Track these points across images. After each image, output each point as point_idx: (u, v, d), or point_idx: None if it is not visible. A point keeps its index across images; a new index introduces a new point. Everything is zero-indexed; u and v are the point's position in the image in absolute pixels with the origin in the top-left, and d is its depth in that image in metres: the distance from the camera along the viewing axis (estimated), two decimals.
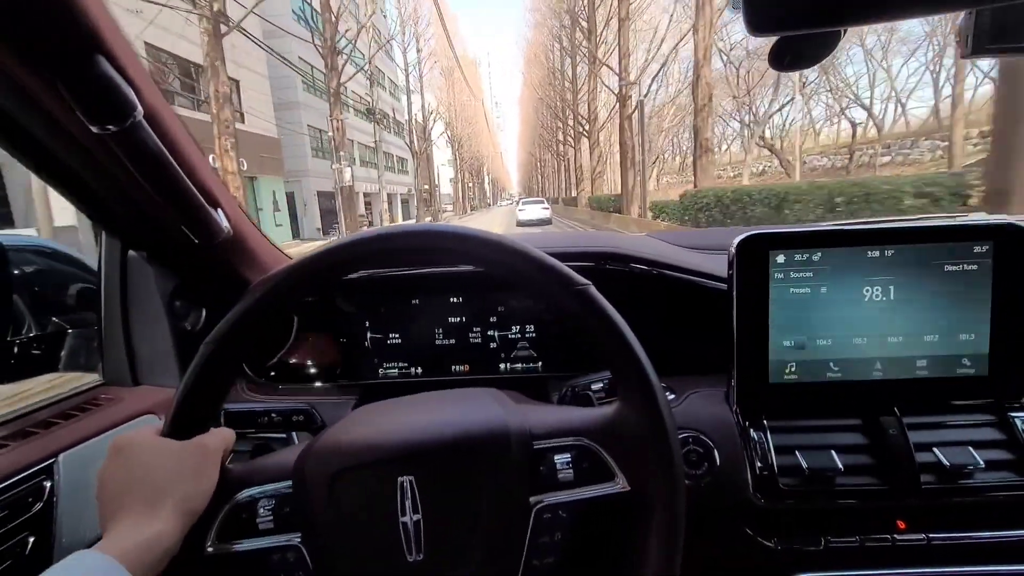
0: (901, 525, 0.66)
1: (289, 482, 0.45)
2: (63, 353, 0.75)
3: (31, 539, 0.54)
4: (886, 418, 0.66)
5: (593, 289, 0.45)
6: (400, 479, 0.44)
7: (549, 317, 0.86)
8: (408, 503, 0.44)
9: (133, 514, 0.39)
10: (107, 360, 0.77)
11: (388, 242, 0.46)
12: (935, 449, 0.63)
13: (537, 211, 20.97)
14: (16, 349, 0.69)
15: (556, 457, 0.46)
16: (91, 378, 0.77)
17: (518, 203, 27.43)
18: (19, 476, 0.55)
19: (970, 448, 0.63)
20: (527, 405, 0.54)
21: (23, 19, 0.43)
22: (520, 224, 20.20)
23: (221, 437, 0.47)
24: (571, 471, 0.46)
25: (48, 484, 0.57)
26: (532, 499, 0.45)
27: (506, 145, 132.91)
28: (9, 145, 0.55)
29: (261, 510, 0.45)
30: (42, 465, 0.57)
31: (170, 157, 0.57)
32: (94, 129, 0.50)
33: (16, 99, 0.50)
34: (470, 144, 52.57)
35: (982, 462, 0.62)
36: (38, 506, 0.55)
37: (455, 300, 0.87)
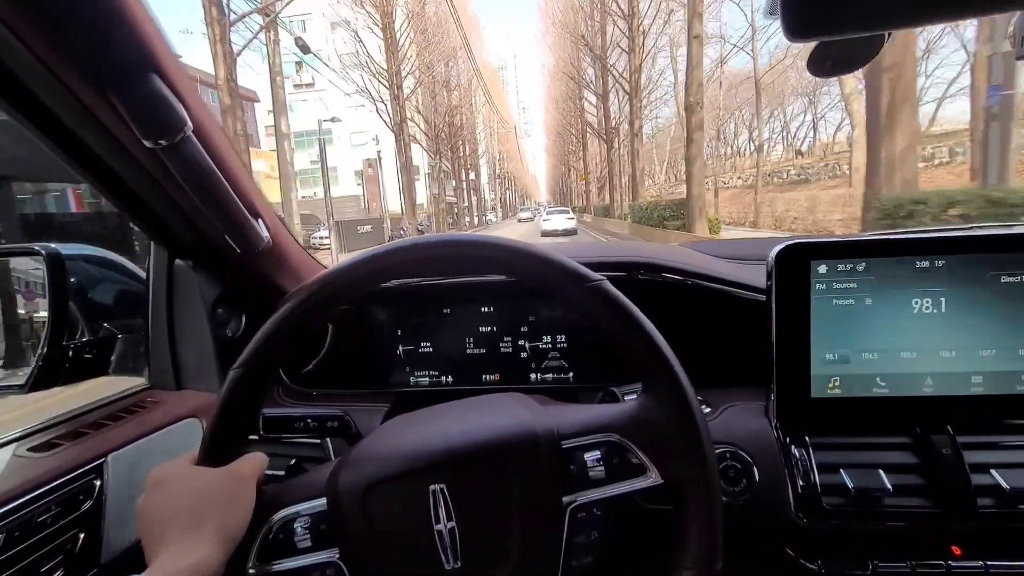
0: (956, 551, 0.62)
1: (323, 499, 0.46)
2: (113, 357, 0.79)
3: (81, 535, 0.57)
4: (938, 436, 0.62)
5: (607, 284, 0.45)
6: (432, 487, 0.44)
7: (580, 327, 0.86)
8: (441, 511, 0.44)
9: (177, 543, 0.40)
10: (153, 364, 0.80)
11: (399, 255, 0.46)
12: (993, 471, 0.60)
13: (562, 221, 20.83)
14: (71, 353, 0.72)
15: (586, 455, 0.46)
16: (138, 381, 0.81)
17: (540, 213, 26.33)
18: (72, 475, 0.57)
19: None
20: (553, 406, 0.54)
21: (85, 41, 0.46)
22: (545, 234, 20.13)
23: (254, 462, 0.48)
24: (602, 468, 0.45)
25: (98, 483, 0.59)
26: (565, 499, 0.45)
27: (534, 153, 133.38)
28: (71, 160, 0.58)
29: (298, 529, 0.45)
30: (92, 464, 0.59)
31: (216, 170, 0.60)
32: (147, 144, 0.53)
33: (78, 117, 0.53)
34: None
35: None
36: (88, 504, 0.58)
37: (486, 310, 0.87)
